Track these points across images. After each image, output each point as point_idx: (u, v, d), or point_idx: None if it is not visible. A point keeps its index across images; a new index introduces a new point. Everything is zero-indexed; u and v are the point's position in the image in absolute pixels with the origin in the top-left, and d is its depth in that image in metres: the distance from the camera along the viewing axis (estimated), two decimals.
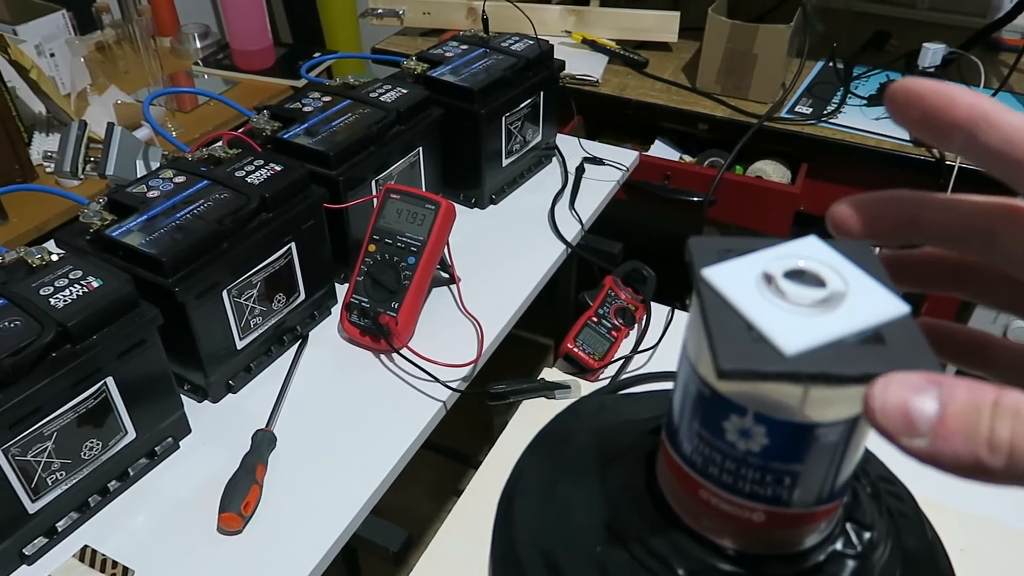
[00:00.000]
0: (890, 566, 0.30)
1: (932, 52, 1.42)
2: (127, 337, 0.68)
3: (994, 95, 1.39)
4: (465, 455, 1.72)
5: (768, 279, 0.26)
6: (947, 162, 1.25)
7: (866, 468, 0.34)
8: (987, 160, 0.23)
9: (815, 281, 0.26)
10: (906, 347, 0.24)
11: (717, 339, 0.24)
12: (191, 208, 0.79)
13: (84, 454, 0.69)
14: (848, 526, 0.30)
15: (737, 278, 0.26)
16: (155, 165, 0.97)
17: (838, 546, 0.30)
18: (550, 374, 0.89)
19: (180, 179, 0.84)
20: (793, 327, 0.24)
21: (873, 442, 0.39)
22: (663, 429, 0.31)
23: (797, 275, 0.27)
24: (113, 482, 0.73)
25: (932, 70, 1.41)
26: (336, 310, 0.96)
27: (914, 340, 0.24)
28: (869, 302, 0.26)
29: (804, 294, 0.25)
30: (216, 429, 0.81)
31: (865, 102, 1.40)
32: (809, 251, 0.28)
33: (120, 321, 0.68)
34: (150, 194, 0.81)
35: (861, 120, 1.36)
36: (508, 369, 0.92)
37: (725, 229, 1.51)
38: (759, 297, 0.26)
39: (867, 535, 0.30)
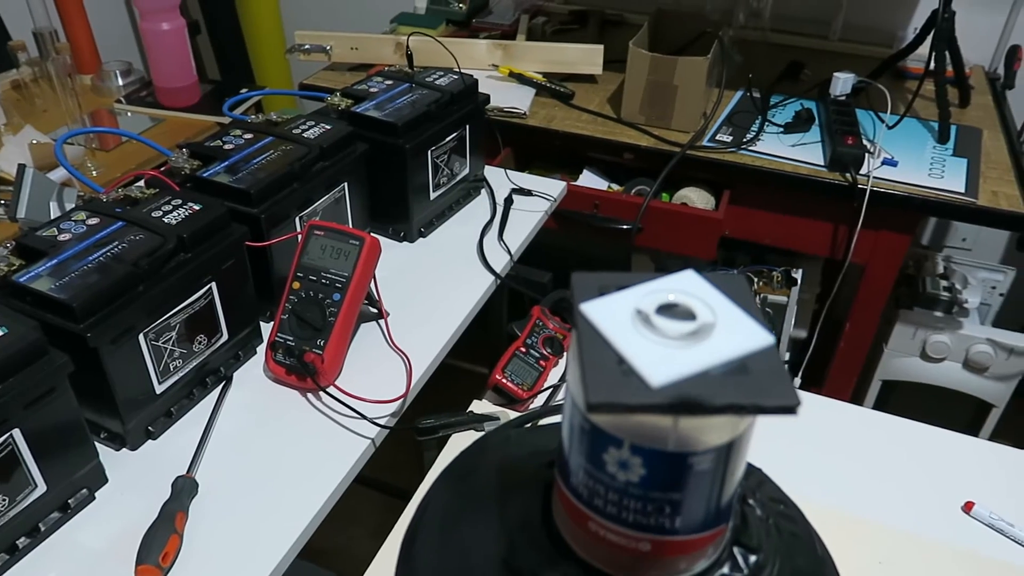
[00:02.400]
0: None
1: (843, 81, 1.48)
2: (35, 386, 0.66)
3: (899, 121, 1.46)
4: (408, 492, 1.70)
5: (641, 314, 0.27)
6: (859, 186, 1.30)
7: (756, 491, 0.35)
8: None
9: (686, 314, 0.27)
10: (768, 377, 0.25)
11: (588, 373, 0.25)
12: (105, 250, 0.77)
13: None
14: (735, 550, 0.31)
15: (613, 313, 0.27)
16: (70, 207, 0.95)
17: (725, 570, 0.30)
18: (479, 406, 0.89)
19: (93, 221, 0.82)
20: (662, 360, 0.25)
21: (768, 464, 0.40)
22: (556, 463, 0.31)
23: (670, 309, 0.28)
24: (23, 539, 0.70)
25: (843, 98, 1.47)
26: (261, 349, 0.94)
27: (776, 370, 0.26)
28: (736, 334, 0.27)
29: (674, 327, 0.26)
30: (135, 478, 0.78)
31: (782, 129, 1.46)
32: (686, 285, 0.29)
33: (27, 370, 0.65)
34: (61, 237, 0.79)
35: (778, 147, 1.41)
36: (445, 400, 0.92)
37: (654, 255, 1.54)
38: (632, 331, 0.27)
39: (753, 558, 0.31)
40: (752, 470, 0.38)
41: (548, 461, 0.34)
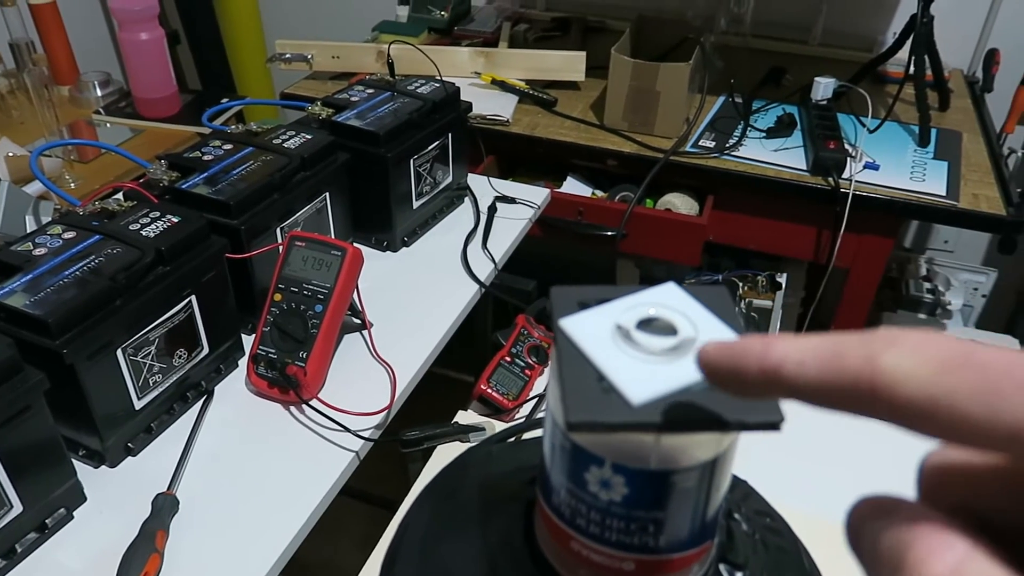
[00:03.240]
0: None
1: (824, 86, 1.49)
2: (9, 405, 0.65)
3: (880, 125, 1.46)
4: (395, 503, 1.69)
5: (622, 329, 0.26)
6: (842, 190, 1.31)
7: (742, 504, 0.35)
8: (817, 396, 0.20)
9: (668, 329, 0.27)
10: None
11: (568, 391, 0.24)
12: (81, 265, 0.76)
13: None
14: (721, 567, 0.30)
15: (593, 328, 0.27)
16: (47, 220, 0.94)
17: None
18: (464, 417, 0.88)
19: (70, 235, 0.80)
20: (642, 376, 0.25)
21: (754, 476, 0.40)
22: (537, 481, 0.31)
23: (651, 323, 0.27)
24: None
25: (824, 103, 1.48)
26: (243, 363, 0.93)
27: None
28: None
29: (655, 343, 0.26)
30: (114, 496, 0.77)
31: (764, 135, 1.46)
32: (666, 298, 0.28)
33: (0, 388, 0.64)
34: (36, 251, 0.78)
35: (761, 152, 1.41)
36: (431, 409, 0.91)
37: (639, 261, 1.54)
38: (612, 347, 0.26)
39: (740, 574, 0.30)
40: (737, 482, 0.38)
41: (530, 478, 0.34)
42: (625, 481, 0.26)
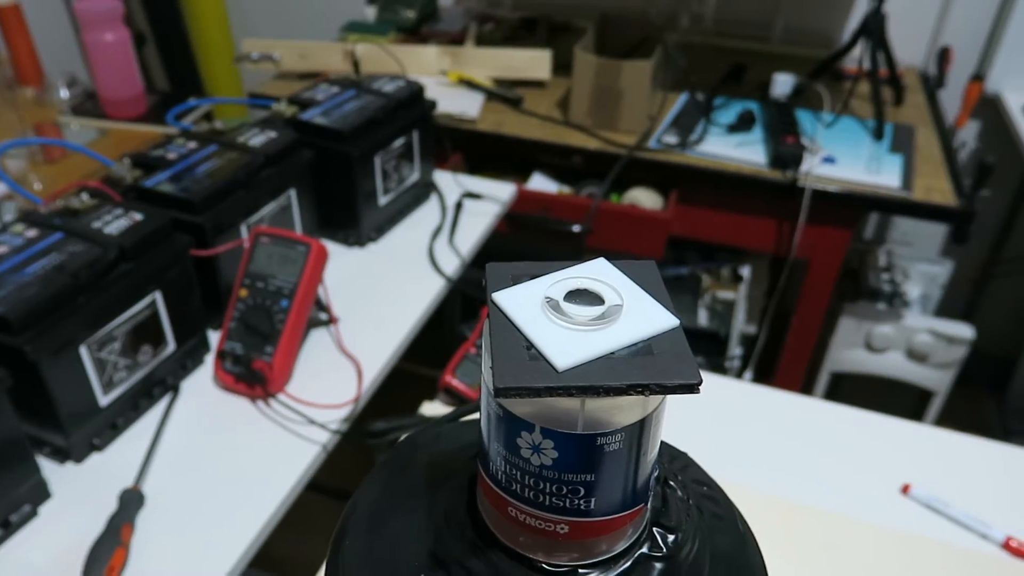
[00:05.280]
0: (697, 564, 0.32)
1: (782, 82, 1.52)
2: None
3: (836, 120, 1.50)
4: None
5: (551, 300, 0.28)
6: (800, 184, 1.34)
7: (680, 473, 0.37)
8: None
9: (595, 300, 0.28)
10: (672, 358, 0.26)
11: (496, 359, 0.26)
12: (43, 262, 0.76)
13: None
14: (655, 530, 0.32)
15: (524, 301, 0.28)
16: (9, 219, 0.93)
17: (644, 549, 0.31)
18: (430, 408, 0.90)
19: (32, 233, 0.80)
20: (568, 344, 0.26)
21: (716, 454, 0.41)
22: (478, 453, 0.32)
23: (579, 295, 0.29)
24: None
25: (783, 99, 1.51)
26: (209, 359, 0.93)
27: (680, 351, 0.27)
28: (643, 317, 0.28)
29: (581, 312, 0.27)
30: (79, 492, 0.77)
31: (726, 130, 1.49)
32: (596, 272, 0.30)
33: None
34: None
35: (722, 147, 1.44)
36: (398, 403, 0.92)
37: (605, 255, 1.56)
38: (542, 317, 0.27)
39: (672, 537, 0.32)
40: (677, 454, 0.40)
41: (474, 454, 0.35)
42: (555, 445, 0.27)
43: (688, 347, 0.27)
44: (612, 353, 0.26)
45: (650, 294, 0.29)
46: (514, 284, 0.29)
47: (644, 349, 0.26)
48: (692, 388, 0.26)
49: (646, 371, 0.26)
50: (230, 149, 0.99)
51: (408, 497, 0.35)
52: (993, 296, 1.90)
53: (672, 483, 0.35)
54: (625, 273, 0.30)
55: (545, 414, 0.27)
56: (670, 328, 0.27)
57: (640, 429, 0.28)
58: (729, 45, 1.87)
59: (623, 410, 0.27)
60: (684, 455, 0.40)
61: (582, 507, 0.29)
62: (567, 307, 0.27)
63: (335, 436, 0.84)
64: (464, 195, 1.28)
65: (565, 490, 0.28)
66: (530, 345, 0.26)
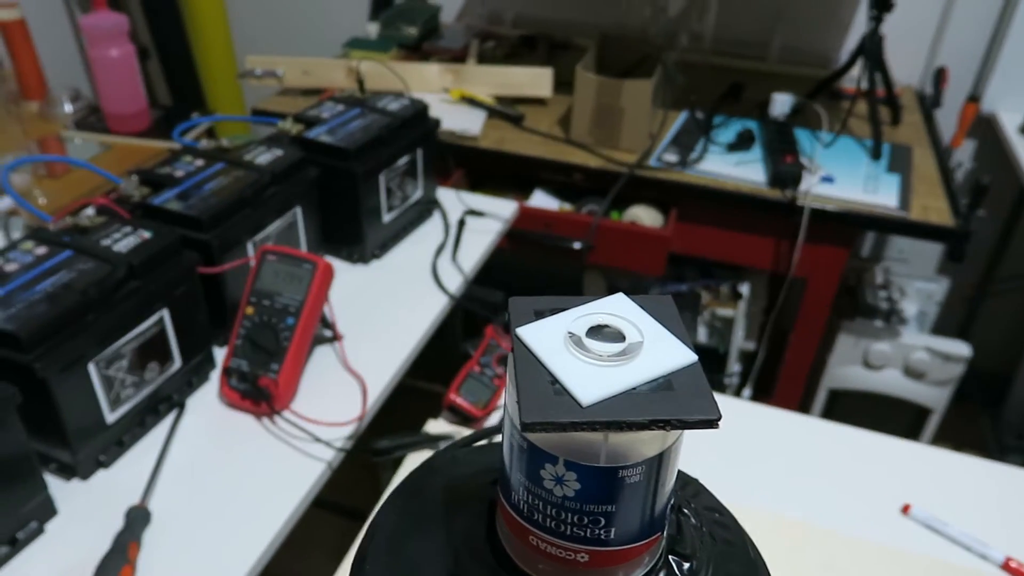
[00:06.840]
0: None
1: (781, 101, 1.54)
2: None
3: (835, 140, 1.52)
4: (366, 514, 1.69)
5: (573, 336, 0.29)
6: (799, 203, 1.35)
7: (692, 500, 0.37)
8: None
9: (616, 336, 0.29)
10: (691, 393, 0.27)
11: (523, 394, 0.27)
12: (53, 279, 0.77)
13: None
14: (670, 558, 0.33)
15: (547, 335, 0.29)
16: (17, 236, 0.94)
17: None
18: (434, 426, 0.90)
19: (41, 250, 0.81)
20: (591, 379, 0.27)
21: (717, 474, 0.42)
22: (498, 481, 0.33)
23: (600, 331, 0.29)
24: None
25: (782, 118, 1.53)
26: (215, 375, 0.94)
27: (699, 386, 0.28)
28: (662, 353, 0.29)
29: (603, 348, 0.28)
30: (86, 509, 0.77)
31: (725, 149, 1.50)
32: (615, 307, 0.31)
33: None
34: (8, 267, 0.78)
35: (722, 166, 1.45)
36: (402, 420, 0.93)
37: (605, 272, 1.57)
38: (564, 353, 0.28)
39: (687, 565, 0.33)
40: (689, 480, 0.40)
41: (492, 479, 0.36)
42: (577, 477, 0.28)
43: (707, 383, 0.28)
44: (633, 388, 0.27)
45: (667, 329, 0.30)
46: (536, 318, 0.30)
47: (664, 384, 0.27)
48: (712, 424, 0.27)
49: (667, 406, 0.26)
50: (237, 167, 0.99)
51: (427, 520, 0.36)
52: (989, 314, 1.92)
53: (686, 511, 0.36)
54: (643, 308, 0.31)
55: (568, 447, 0.28)
56: (688, 364, 0.28)
57: (659, 461, 0.29)
58: (727, 64, 1.89)
59: (644, 443, 0.28)
60: (696, 481, 0.41)
61: (602, 537, 0.29)
62: (589, 343, 0.28)
63: (340, 454, 0.85)
64: (466, 212, 1.29)
65: (586, 520, 0.29)
66: (554, 380, 0.27)
